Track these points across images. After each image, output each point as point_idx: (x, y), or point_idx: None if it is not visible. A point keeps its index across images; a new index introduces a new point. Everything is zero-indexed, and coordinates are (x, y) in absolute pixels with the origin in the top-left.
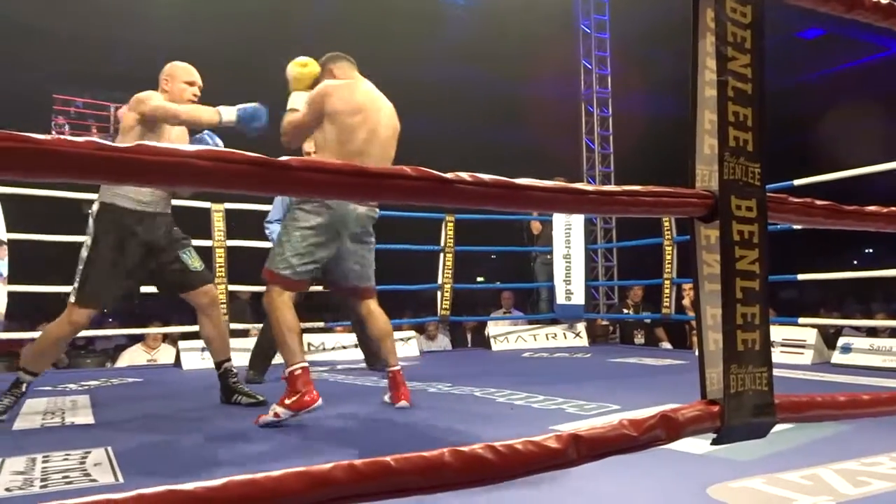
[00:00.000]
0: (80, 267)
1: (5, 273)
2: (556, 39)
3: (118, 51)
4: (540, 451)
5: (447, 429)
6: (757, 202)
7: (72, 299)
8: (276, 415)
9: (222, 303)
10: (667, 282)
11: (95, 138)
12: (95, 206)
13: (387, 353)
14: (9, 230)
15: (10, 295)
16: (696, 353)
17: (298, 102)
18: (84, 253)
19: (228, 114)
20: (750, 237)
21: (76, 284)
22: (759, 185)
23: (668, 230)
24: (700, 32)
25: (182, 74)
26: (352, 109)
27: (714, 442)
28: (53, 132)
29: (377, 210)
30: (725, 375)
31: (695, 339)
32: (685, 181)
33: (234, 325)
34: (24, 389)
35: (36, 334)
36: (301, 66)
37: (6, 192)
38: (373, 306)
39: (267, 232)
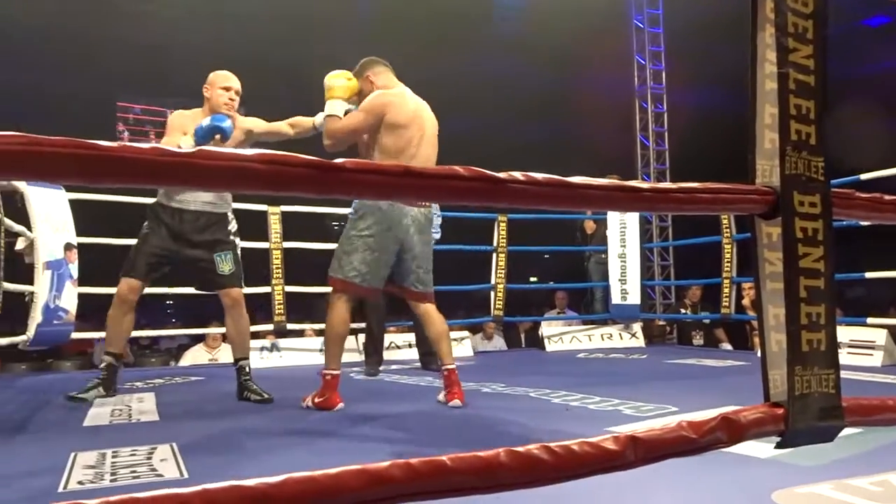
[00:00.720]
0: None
1: (76, 276)
2: (609, 35)
3: (171, 57)
4: (597, 452)
5: (502, 429)
6: (821, 198)
7: (122, 272)
8: (307, 404)
9: (279, 303)
10: (726, 281)
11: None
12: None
13: (443, 353)
14: (78, 235)
15: (80, 297)
16: (759, 355)
17: (339, 109)
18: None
19: (185, 141)
20: (814, 234)
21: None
22: (823, 180)
23: (726, 228)
24: (759, 24)
25: (219, 81)
26: (407, 120)
27: (778, 446)
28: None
29: (432, 209)
30: (790, 377)
31: (756, 339)
32: (744, 177)
33: (291, 326)
34: (102, 366)
35: (104, 334)
36: (347, 79)
37: (76, 197)
38: (430, 308)
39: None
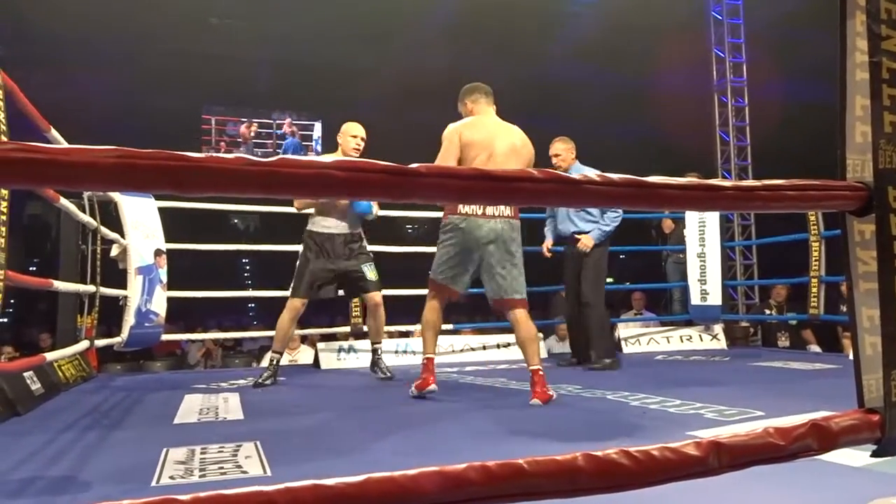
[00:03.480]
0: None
1: (165, 280)
2: (685, 29)
3: (250, 70)
4: (678, 458)
5: (579, 432)
6: None
7: (288, 293)
8: (411, 393)
9: (355, 306)
10: (814, 280)
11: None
12: (305, 234)
13: (527, 355)
14: (166, 241)
15: (169, 300)
16: (850, 358)
17: None
18: (297, 263)
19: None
20: None
21: (292, 284)
22: None
23: (814, 224)
24: (849, 11)
25: (349, 130)
26: (473, 141)
27: (874, 454)
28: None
29: (512, 222)
30: (886, 382)
31: (847, 341)
32: (834, 173)
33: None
34: (276, 363)
35: (192, 336)
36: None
37: (164, 205)
38: (519, 315)
39: None
